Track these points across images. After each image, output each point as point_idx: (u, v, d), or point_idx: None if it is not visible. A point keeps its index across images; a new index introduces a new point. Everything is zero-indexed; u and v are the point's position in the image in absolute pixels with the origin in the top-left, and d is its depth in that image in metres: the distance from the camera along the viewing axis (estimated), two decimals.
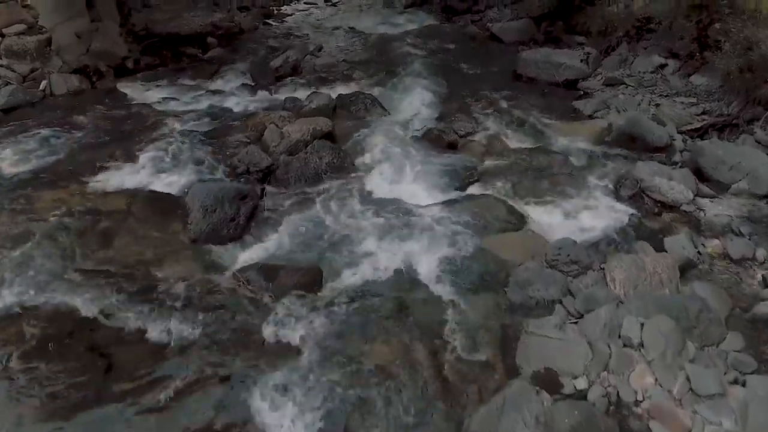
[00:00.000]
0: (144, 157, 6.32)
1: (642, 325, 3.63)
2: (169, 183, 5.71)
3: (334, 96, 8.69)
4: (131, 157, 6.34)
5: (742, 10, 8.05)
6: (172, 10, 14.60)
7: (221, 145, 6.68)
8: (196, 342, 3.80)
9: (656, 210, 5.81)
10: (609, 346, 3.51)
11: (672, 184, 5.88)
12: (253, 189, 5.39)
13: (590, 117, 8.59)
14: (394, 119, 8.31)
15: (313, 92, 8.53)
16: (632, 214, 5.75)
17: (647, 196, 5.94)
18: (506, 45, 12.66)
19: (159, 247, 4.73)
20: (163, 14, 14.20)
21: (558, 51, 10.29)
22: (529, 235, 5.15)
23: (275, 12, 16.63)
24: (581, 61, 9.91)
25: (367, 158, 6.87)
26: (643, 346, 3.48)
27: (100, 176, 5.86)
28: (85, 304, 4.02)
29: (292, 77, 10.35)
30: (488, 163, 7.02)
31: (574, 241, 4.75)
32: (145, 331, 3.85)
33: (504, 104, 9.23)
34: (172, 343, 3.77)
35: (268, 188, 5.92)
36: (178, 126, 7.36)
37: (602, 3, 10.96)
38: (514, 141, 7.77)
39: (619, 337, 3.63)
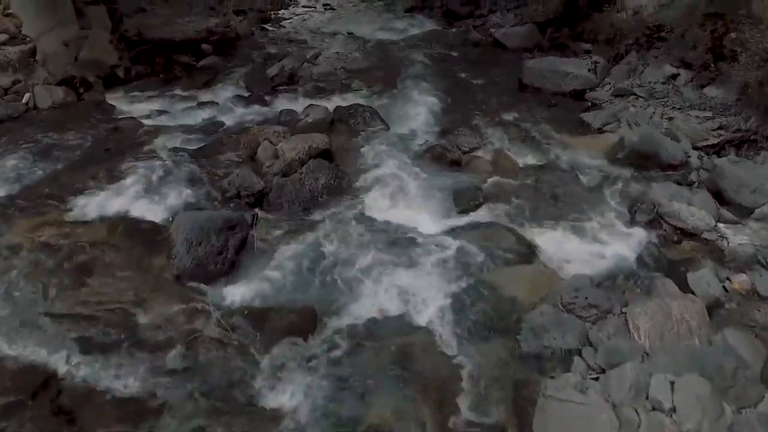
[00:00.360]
0: (129, 180, 5.92)
1: (672, 384, 3.25)
2: (154, 209, 5.31)
3: (331, 109, 8.32)
4: (115, 179, 5.95)
5: (760, 19, 7.66)
6: (167, 14, 14.24)
7: (211, 164, 6.29)
8: (176, 402, 3.41)
9: (675, 238, 5.43)
10: (637, 412, 3.12)
11: (692, 210, 5.50)
12: (243, 218, 4.99)
13: (599, 131, 8.21)
14: (394, 133, 7.91)
15: (310, 105, 8.13)
16: (650, 243, 5.38)
17: (665, 222, 5.55)
18: (510, 51, 12.29)
19: (139, 285, 4.35)
20: (157, 19, 13.83)
21: (564, 60, 9.90)
22: (541, 270, 4.76)
23: (272, 16, 16.26)
24: (589, 70, 9.52)
25: (366, 178, 6.49)
26: (675, 411, 3.11)
27: (81, 201, 5.46)
28: (54, 357, 3.64)
29: (289, 86, 9.96)
30: (494, 182, 6.64)
31: (591, 279, 4.37)
32: (118, 389, 3.47)
33: (509, 116, 8.86)
34: (149, 404, 3.39)
35: (260, 214, 5.54)
36: (167, 143, 6.96)
37: (610, 9, 10.55)
38: (521, 157, 7.38)
39: (647, 398, 3.25)
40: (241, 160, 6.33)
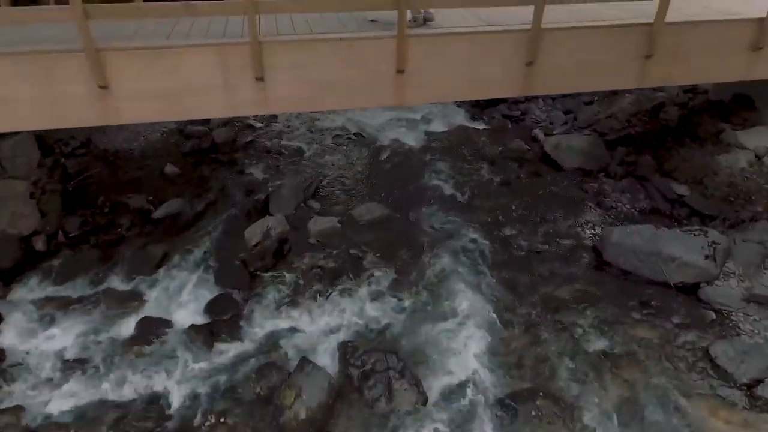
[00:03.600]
0: None
1: None
2: None
3: (334, 373, 5.31)
4: None
5: None
6: None
7: None
8: None
9: None
10: None
11: None
12: None
13: (747, 391, 5.31)
14: (436, 412, 5.03)
15: (301, 367, 5.20)
16: None
17: None
18: (567, 174, 9.42)
19: None
20: None
21: (667, 234, 6.94)
22: None
23: None
24: (706, 257, 6.60)
25: None
26: None
27: None
28: None
29: (274, 271, 7.06)
30: None
31: None
32: None
33: (597, 340, 6.00)
34: None
35: None
36: None
37: (717, 150, 7.67)
38: None
39: None
40: None
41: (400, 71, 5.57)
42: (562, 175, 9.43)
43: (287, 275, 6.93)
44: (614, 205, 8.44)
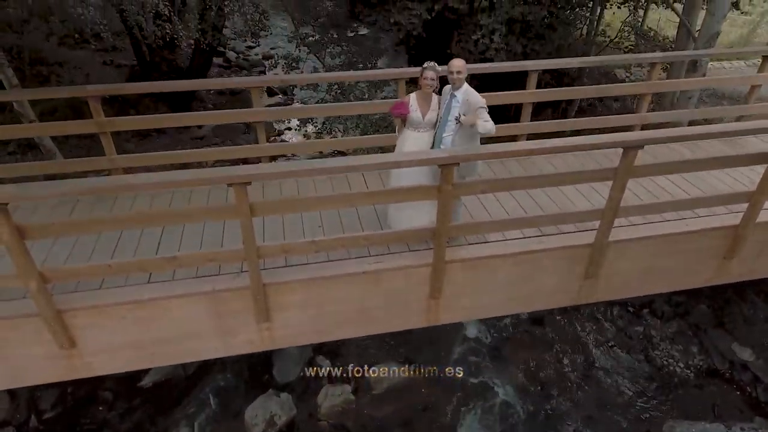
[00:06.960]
0: None
1: None
2: None
3: None
4: None
5: None
6: None
7: None
8: None
9: None
10: None
11: None
12: None
13: None
14: None
15: None
16: None
17: None
18: (604, 304, 8.41)
19: None
20: None
21: None
22: None
23: None
24: None
25: None
26: None
27: None
28: None
29: None
30: None
31: None
32: None
33: None
34: None
35: None
36: None
37: None
38: None
39: None
40: None
41: (434, 297, 4.57)
42: (599, 308, 8.42)
43: None
44: (666, 362, 7.44)
